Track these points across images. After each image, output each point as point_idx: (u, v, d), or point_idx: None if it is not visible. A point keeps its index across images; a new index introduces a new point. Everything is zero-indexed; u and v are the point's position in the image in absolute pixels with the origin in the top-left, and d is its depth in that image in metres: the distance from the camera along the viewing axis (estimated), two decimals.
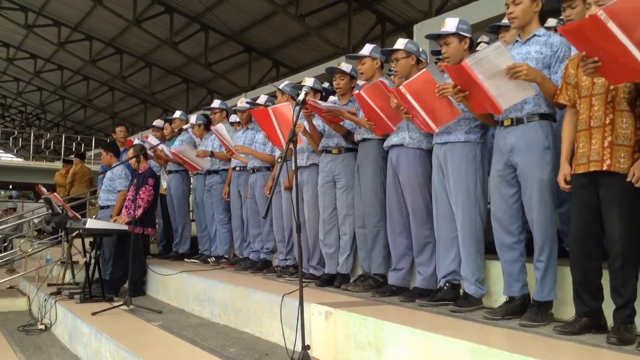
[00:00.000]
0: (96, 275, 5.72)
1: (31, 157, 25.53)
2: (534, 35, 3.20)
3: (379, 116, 4.00)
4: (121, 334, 4.14)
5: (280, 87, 5.41)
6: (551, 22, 4.12)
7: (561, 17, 4.02)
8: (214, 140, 6.29)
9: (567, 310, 3.06)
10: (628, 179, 2.63)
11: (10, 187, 29.39)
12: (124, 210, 6.29)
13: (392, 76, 4.29)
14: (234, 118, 6.54)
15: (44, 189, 6.64)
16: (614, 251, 2.69)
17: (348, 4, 12.86)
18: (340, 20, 13.44)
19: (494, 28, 4.14)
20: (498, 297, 3.50)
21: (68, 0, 16.44)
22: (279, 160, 5.32)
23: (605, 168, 2.72)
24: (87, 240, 5.89)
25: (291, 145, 3.30)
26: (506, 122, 3.22)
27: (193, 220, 7.21)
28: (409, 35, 11.31)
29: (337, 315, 3.39)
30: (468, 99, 3.25)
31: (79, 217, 5.97)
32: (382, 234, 4.21)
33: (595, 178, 2.77)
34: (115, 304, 5.23)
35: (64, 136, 26.11)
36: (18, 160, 27.07)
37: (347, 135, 4.53)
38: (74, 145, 26.00)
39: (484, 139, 3.62)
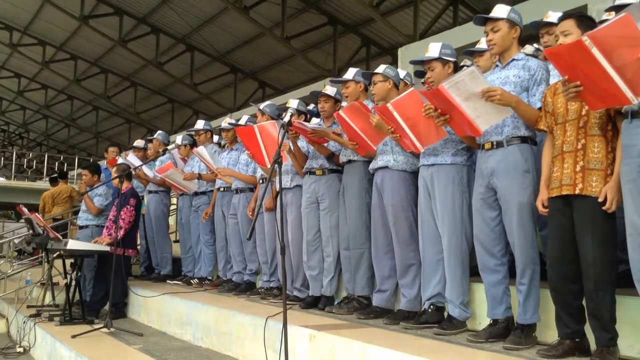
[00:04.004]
0: (77, 297, 5.63)
1: (13, 176, 25.14)
2: (513, 59, 3.27)
3: (359, 136, 4.05)
4: (101, 357, 4.07)
5: (261, 107, 5.41)
6: (528, 49, 4.18)
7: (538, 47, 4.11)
8: (200, 162, 6.26)
9: (550, 333, 3.06)
10: (600, 200, 2.67)
11: None
12: (104, 231, 6.22)
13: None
14: (216, 138, 6.53)
15: (25, 209, 6.54)
16: (587, 274, 2.71)
17: (333, 27, 13.00)
18: (325, 43, 13.57)
19: (468, 53, 4.21)
20: (482, 320, 3.50)
21: (54, 20, 16.41)
22: (261, 181, 5.30)
23: (577, 192, 2.75)
24: (68, 262, 5.80)
25: (276, 167, 3.30)
26: (487, 146, 3.26)
27: (176, 241, 7.12)
28: (394, 58, 11.46)
29: (321, 338, 3.37)
30: (449, 122, 3.29)
31: (60, 237, 5.89)
32: (367, 255, 4.20)
33: (569, 201, 2.80)
34: (96, 326, 5.13)
35: (46, 155, 25.83)
36: None
37: (331, 156, 4.54)
38: (56, 164, 25.74)
39: (471, 162, 3.65)
